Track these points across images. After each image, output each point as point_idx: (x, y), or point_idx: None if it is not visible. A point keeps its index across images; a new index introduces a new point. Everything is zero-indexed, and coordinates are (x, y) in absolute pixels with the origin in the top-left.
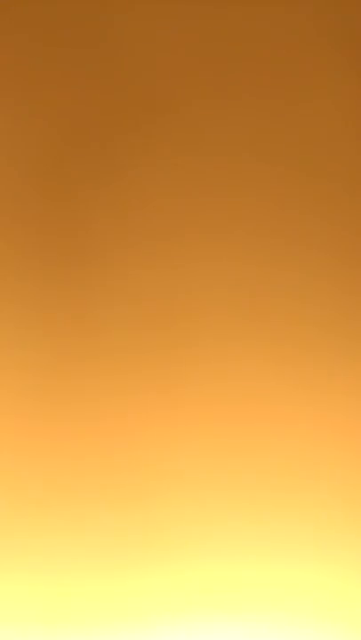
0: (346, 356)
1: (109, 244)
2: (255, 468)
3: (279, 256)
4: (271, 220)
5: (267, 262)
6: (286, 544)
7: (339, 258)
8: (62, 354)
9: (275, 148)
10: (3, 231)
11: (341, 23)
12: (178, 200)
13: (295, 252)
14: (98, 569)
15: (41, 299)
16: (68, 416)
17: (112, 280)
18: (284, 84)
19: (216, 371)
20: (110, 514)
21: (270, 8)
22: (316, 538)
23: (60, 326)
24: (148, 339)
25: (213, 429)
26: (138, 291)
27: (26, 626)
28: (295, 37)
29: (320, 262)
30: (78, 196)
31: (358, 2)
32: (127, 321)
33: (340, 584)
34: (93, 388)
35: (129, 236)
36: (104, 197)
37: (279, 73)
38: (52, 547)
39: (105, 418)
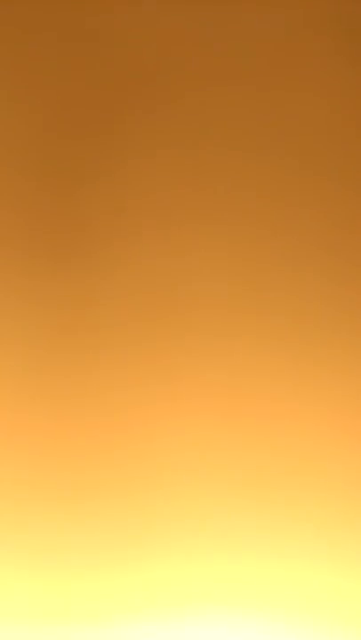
0: (346, 351)
1: (109, 237)
2: (256, 463)
3: (279, 248)
4: (270, 213)
5: (267, 255)
6: (287, 541)
7: (338, 251)
8: (62, 348)
9: (274, 141)
10: (1, 225)
11: (341, 22)
12: (177, 191)
13: (295, 245)
14: (98, 565)
15: (40, 292)
16: (68, 411)
17: (112, 273)
18: (284, 79)
19: (217, 364)
20: (110, 509)
21: (270, 5)
22: (317, 535)
23: (60, 320)
24: (147, 332)
25: (214, 424)
26: (138, 283)
27: (26, 623)
28: (295, 33)
29: (319, 255)
30: (78, 188)
31: (358, 2)
32: (127, 314)
33: (341, 582)
34: (93, 382)
35: (128, 229)
36: (104, 189)
37: (279, 69)
38: (52, 543)
39: (105, 413)
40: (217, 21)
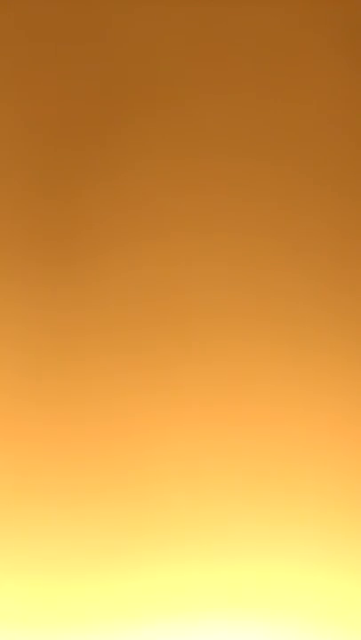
0: (346, 357)
1: (108, 241)
2: (256, 469)
3: (278, 254)
4: (269, 218)
5: (266, 260)
6: (287, 546)
7: (337, 257)
8: (61, 354)
9: (273, 146)
10: (0, 230)
11: (342, 24)
12: (176, 198)
13: (294, 252)
14: (98, 569)
15: (39, 298)
16: (67, 416)
17: (111, 279)
18: (284, 81)
19: (217, 370)
20: (109, 515)
21: (271, 8)
22: (317, 539)
23: (59, 325)
24: (147, 338)
25: (214, 430)
26: (137, 289)
27: (26, 626)
28: (296, 37)
29: (319, 261)
30: (76, 192)
31: (358, 2)
32: (126, 320)
33: (341, 586)
34: (92, 388)
35: (128, 234)
36: (103, 195)
37: (279, 70)
38: (52, 547)
39: (104, 418)
40: (216, 26)
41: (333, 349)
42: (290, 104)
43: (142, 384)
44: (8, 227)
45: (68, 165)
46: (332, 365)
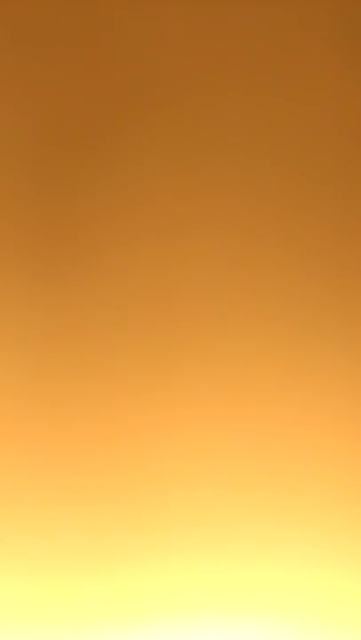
0: (348, 357)
1: (108, 241)
2: (256, 469)
3: (278, 254)
4: (269, 217)
5: (267, 261)
6: (287, 544)
7: (338, 257)
8: (61, 353)
9: (273, 146)
10: (0, 230)
11: (341, 23)
12: (176, 197)
13: (295, 251)
14: (98, 569)
15: (39, 297)
16: (67, 416)
17: (111, 278)
18: (283, 82)
19: (216, 370)
20: (110, 514)
21: (270, 7)
22: (319, 540)
23: (59, 325)
24: (147, 338)
25: (214, 430)
26: (137, 289)
27: (26, 626)
28: (295, 35)
29: (319, 261)
30: (76, 192)
31: (358, 2)
32: (126, 320)
33: (340, 584)
34: (93, 388)
35: (128, 234)
36: (102, 194)
37: (278, 70)
38: (51, 547)
39: (104, 418)
40: (216, 26)
41: (334, 349)
42: (290, 104)
43: (142, 384)
44: (8, 226)
45: (68, 165)
46: (333, 365)
